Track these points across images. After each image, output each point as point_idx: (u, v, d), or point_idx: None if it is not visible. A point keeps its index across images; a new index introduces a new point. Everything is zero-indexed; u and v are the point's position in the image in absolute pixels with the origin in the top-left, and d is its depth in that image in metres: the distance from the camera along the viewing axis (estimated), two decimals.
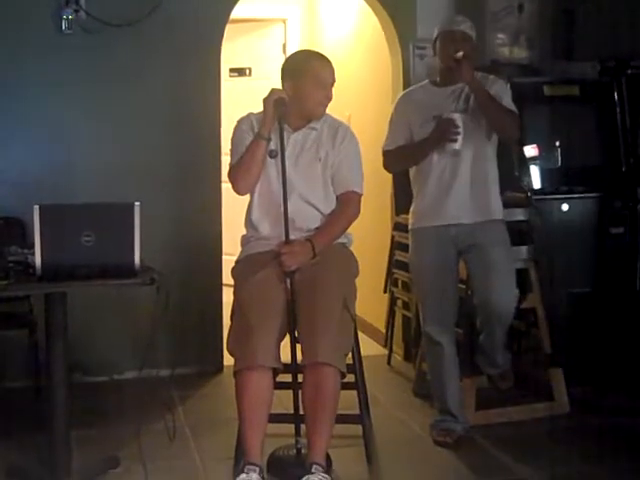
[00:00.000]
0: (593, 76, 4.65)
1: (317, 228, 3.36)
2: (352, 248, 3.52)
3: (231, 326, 3.29)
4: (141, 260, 3.10)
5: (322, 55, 3.49)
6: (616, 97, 4.58)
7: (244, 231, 3.49)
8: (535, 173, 4.50)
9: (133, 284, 3.08)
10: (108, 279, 3.06)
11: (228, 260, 4.86)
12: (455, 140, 3.63)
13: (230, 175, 3.40)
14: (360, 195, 3.43)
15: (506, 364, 3.97)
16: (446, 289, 3.80)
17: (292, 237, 3.25)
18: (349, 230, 3.48)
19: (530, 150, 4.46)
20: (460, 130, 3.61)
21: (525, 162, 4.45)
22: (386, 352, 5.06)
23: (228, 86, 6.32)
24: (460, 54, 3.62)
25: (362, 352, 3.58)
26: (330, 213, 3.38)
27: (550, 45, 5.04)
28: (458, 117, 3.64)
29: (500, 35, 5.00)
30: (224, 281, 4.78)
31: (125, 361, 4.61)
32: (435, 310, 3.82)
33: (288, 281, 3.22)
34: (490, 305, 3.65)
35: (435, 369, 3.87)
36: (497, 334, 3.76)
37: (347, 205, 3.39)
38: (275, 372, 3.18)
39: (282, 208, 3.25)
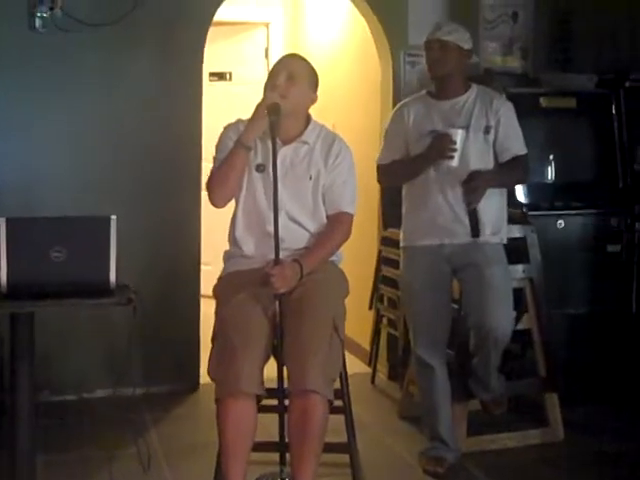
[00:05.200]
0: (590, 88, 4.53)
1: (304, 248, 3.15)
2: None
3: (212, 349, 3.07)
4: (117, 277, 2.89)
5: (288, 54, 3.32)
6: (614, 110, 4.47)
7: (224, 239, 3.28)
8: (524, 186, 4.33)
9: (108, 304, 2.87)
10: (80, 298, 2.85)
11: (206, 270, 4.67)
12: (451, 157, 3.45)
13: (207, 184, 3.18)
14: (352, 216, 3.23)
15: (500, 389, 3.79)
16: (439, 309, 3.63)
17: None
18: None
19: None
20: (457, 147, 3.44)
21: None
22: (369, 370, 4.88)
23: (208, 91, 6.13)
24: (472, 207, 3.53)
25: None
26: (319, 233, 3.17)
27: (545, 55, 4.95)
28: (454, 133, 3.47)
29: (493, 44, 4.86)
30: (202, 292, 4.58)
31: (96, 379, 4.41)
32: (427, 331, 3.65)
33: (277, 303, 3.01)
34: (486, 328, 3.48)
35: (426, 393, 3.69)
36: (492, 358, 3.59)
37: (337, 226, 3.19)
38: (258, 398, 2.97)
39: (268, 227, 3.06)
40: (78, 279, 2.82)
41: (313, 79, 3.21)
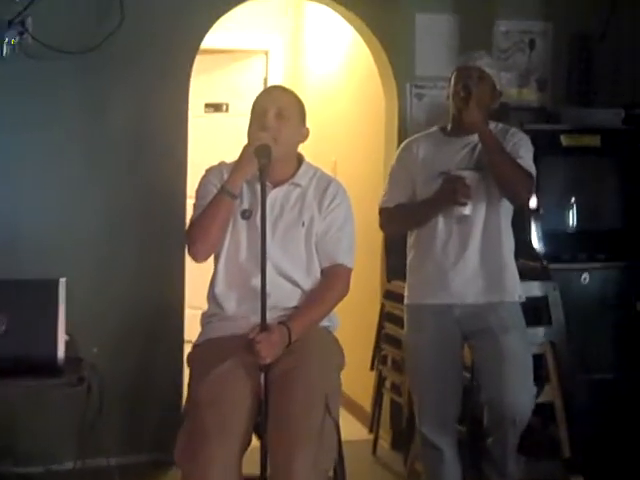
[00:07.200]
0: (616, 124, 4.16)
1: (295, 307, 2.75)
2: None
3: (181, 429, 2.63)
4: (70, 345, 2.49)
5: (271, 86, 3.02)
6: None
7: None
8: (538, 233, 3.95)
9: (54, 385, 2.46)
10: (22, 378, 2.43)
11: (194, 315, 4.21)
12: (464, 204, 3.04)
13: (187, 234, 2.82)
14: (350, 270, 2.84)
15: (518, 473, 3.32)
16: (447, 381, 3.19)
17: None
18: (334, 310, 2.86)
19: None
20: (471, 192, 3.01)
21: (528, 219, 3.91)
22: (371, 437, 4.42)
23: (202, 123, 5.88)
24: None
25: (344, 436, 2.85)
26: (312, 290, 2.77)
27: (564, 88, 4.55)
28: (469, 175, 3.05)
29: (507, 75, 4.47)
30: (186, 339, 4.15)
31: (65, 448, 3.91)
32: (434, 406, 3.21)
33: (262, 376, 2.60)
34: (503, 407, 3.04)
35: (432, 477, 3.23)
36: (509, 439, 3.14)
37: (333, 282, 2.80)
38: None
39: (252, 281, 2.68)
40: (20, 355, 2.44)
41: (302, 112, 2.88)
